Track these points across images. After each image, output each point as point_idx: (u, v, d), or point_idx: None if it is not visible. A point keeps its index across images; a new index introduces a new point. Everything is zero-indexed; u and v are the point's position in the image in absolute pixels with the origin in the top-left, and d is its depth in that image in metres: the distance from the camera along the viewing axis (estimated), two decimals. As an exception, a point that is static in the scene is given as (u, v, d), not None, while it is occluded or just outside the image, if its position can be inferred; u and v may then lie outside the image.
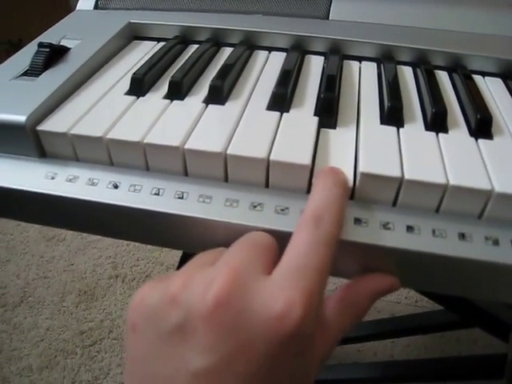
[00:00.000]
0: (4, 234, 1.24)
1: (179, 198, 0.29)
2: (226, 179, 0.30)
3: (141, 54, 0.42)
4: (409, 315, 0.99)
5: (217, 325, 0.21)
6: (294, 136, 0.31)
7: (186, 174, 0.31)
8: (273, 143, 0.30)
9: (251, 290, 0.21)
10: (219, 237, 0.28)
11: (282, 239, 0.26)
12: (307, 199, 0.26)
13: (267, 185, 0.30)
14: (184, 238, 0.30)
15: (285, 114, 0.33)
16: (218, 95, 0.35)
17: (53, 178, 0.31)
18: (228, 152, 0.29)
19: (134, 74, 0.36)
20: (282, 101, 0.34)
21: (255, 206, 0.29)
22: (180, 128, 0.31)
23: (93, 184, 0.31)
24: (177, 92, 0.35)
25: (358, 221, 0.28)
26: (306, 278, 0.22)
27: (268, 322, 0.21)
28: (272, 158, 0.29)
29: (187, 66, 0.37)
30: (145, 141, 0.30)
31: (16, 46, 1.67)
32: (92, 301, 1.07)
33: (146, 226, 0.30)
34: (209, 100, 0.35)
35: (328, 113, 0.34)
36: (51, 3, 1.80)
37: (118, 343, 0.99)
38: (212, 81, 0.35)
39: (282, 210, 0.28)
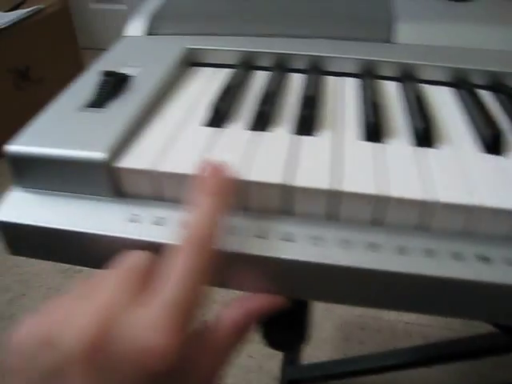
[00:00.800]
0: (18, 267, 1.20)
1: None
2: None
3: (203, 81, 0.40)
4: (444, 341, 0.96)
5: (88, 369, 0.20)
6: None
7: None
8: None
9: (123, 328, 0.21)
10: None
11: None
12: None
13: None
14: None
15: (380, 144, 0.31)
16: (308, 126, 0.32)
17: (135, 221, 0.28)
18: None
19: (214, 104, 0.34)
20: (376, 132, 0.32)
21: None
22: (279, 162, 0.29)
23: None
24: (263, 122, 0.33)
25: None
26: (171, 314, 0.22)
27: (136, 360, 0.21)
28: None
29: (265, 95, 0.35)
30: (248, 178, 0.27)
31: (23, 74, 1.65)
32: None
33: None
34: (299, 131, 0.32)
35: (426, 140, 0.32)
36: (57, 32, 1.80)
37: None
38: (302, 111, 0.33)
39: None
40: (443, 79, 0.40)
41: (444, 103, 0.37)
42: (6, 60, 1.54)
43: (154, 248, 0.27)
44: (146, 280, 0.24)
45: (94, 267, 0.32)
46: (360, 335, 1.04)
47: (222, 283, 0.28)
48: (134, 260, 0.25)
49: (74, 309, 0.22)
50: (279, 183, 0.27)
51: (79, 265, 0.32)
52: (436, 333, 1.05)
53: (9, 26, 1.50)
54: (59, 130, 0.32)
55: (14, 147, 0.30)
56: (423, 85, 0.39)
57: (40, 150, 0.30)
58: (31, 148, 0.30)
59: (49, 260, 0.33)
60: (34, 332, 0.22)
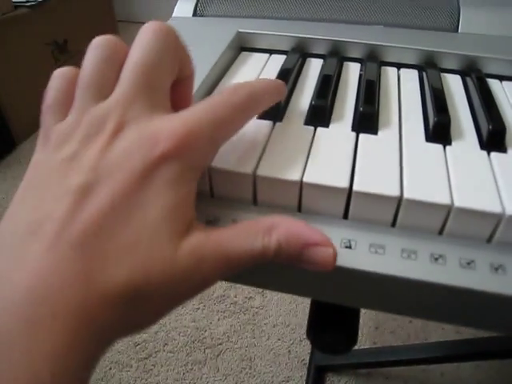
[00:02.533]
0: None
1: None
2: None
3: (256, 68, 0.38)
4: (477, 338, 0.94)
5: (105, 151, 0.21)
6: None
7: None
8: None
9: (141, 123, 0.22)
10: None
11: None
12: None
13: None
14: None
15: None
16: (370, 124, 0.30)
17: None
18: None
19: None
20: (445, 131, 0.30)
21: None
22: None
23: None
24: (321, 118, 0.31)
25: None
26: (197, 111, 0.22)
27: (149, 142, 0.21)
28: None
29: (324, 87, 0.33)
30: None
31: (62, 47, 1.66)
32: (145, 311, 1.04)
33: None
34: (360, 128, 0.30)
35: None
36: (94, 5, 1.79)
37: (174, 356, 0.95)
38: (363, 108, 0.30)
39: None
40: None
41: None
42: (44, 33, 1.55)
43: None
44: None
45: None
46: (391, 325, 1.03)
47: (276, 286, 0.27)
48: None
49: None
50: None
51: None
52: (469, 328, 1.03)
53: (47, 0, 1.49)
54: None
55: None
56: (491, 79, 0.37)
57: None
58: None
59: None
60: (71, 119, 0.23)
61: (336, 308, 0.32)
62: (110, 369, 0.94)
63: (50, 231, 0.19)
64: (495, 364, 0.96)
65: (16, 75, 1.47)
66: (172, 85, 0.25)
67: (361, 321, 1.09)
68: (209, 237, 0.21)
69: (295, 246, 0.22)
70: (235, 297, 1.07)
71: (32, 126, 1.61)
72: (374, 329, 1.02)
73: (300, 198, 0.26)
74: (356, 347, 1.02)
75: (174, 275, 0.20)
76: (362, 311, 1.08)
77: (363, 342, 1.00)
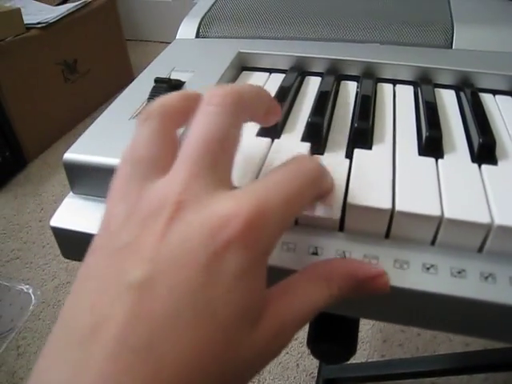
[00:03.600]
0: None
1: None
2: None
3: (257, 87, 0.39)
4: (486, 350, 0.93)
5: (163, 237, 0.19)
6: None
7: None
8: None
9: (203, 202, 0.20)
10: None
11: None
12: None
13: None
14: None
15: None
16: (364, 140, 0.31)
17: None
18: None
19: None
20: (437, 145, 0.31)
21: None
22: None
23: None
24: (317, 135, 0.32)
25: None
26: (263, 189, 0.20)
27: (211, 226, 0.19)
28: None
29: (320, 104, 0.34)
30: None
31: (72, 67, 1.69)
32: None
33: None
34: (355, 144, 0.31)
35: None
36: (103, 25, 1.83)
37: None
38: (358, 123, 0.32)
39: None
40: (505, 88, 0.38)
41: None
42: (54, 53, 1.58)
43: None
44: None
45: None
46: (400, 337, 1.03)
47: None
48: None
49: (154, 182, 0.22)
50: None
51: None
52: (478, 340, 1.02)
53: (58, 20, 1.53)
54: (114, 139, 0.32)
55: (69, 155, 0.31)
56: (485, 94, 0.38)
57: (95, 159, 0.30)
58: (86, 156, 0.31)
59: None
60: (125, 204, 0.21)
61: (335, 317, 0.33)
62: (120, 383, 0.95)
63: (110, 336, 0.17)
64: (504, 376, 0.95)
65: (27, 94, 1.51)
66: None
67: (369, 333, 1.09)
68: (278, 311, 0.21)
69: (354, 286, 0.23)
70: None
71: (42, 145, 1.64)
72: (382, 341, 1.02)
73: None
74: (364, 360, 1.02)
75: (253, 361, 0.19)
76: (371, 324, 1.07)
77: (371, 354, 1.00)
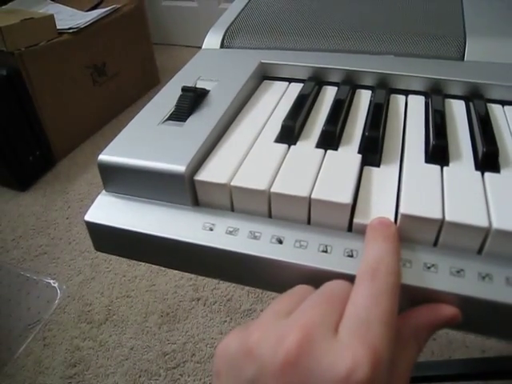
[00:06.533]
0: (89, 252, 1.28)
1: (349, 256, 0.28)
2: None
3: (276, 95, 0.42)
4: (503, 357, 0.93)
5: (285, 383, 0.21)
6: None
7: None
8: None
9: (320, 349, 0.21)
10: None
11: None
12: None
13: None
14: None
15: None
16: (375, 148, 0.34)
17: (211, 230, 0.31)
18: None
19: (285, 122, 0.36)
20: (442, 153, 0.33)
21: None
22: (341, 183, 0.30)
23: (255, 238, 0.30)
24: (330, 142, 0.34)
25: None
26: (370, 332, 0.22)
27: (335, 381, 0.20)
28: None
29: (335, 113, 0.37)
30: (312, 196, 0.29)
31: (100, 70, 1.75)
32: (174, 322, 1.08)
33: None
34: (364, 151, 0.34)
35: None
36: (131, 29, 1.88)
37: (201, 367, 0.99)
38: (369, 132, 0.34)
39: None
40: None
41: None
42: (85, 57, 1.64)
43: (227, 256, 0.30)
44: (343, 307, 0.24)
45: (166, 267, 0.36)
46: (415, 342, 1.03)
47: None
48: (337, 287, 0.26)
49: (277, 325, 0.24)
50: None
51: (155, 264, 0.36)
52: (494, 346, 1.02)
53: (89, 25, 1.59)
54: (143, 142, 0.35)
55: (103, 157, 0.34)
56: (494, 105, 0.39)
57: (126, 161, 0.33)
58: (118, 158, 0.34)
59: (128, 258, 0.37)
60: (239, 343, 0.24)
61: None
62: (140, 376, 0.98)
63: None
64: (519, 383, 0.95)
65: (57, 96, 1.56)
66: None
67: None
68: None
69: (436, 330, 0.27)
70: (261, 311, 1.10)
71: (71, 145, 1.70)
72: (397, 345, 1.03)
73: (309, 212, 0.30)
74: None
75: None
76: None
77: (386, 358, 1.01)
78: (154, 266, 1.22)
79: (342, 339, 0.22)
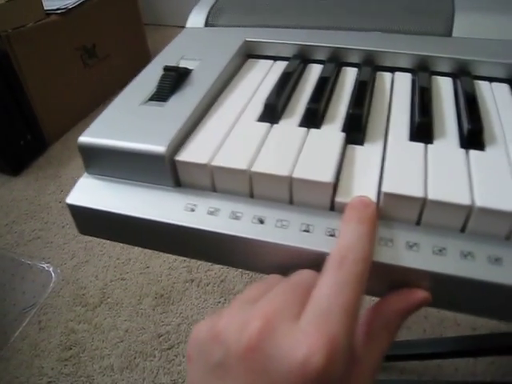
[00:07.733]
0: (82, 236, 1.28)
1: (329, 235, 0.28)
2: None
3: (261, 74, 0.41)
4: (493, 334, 0.94)
5: (247, 367, 0.22)
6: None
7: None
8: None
9: (280, 336, 0.22)
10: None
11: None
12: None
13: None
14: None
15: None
16: (358, 126, 0.33)
17: (193, 210, 0.31)
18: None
19: (267, 100, 0.35)
20: (426, 131, 0.32)
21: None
22: (323, 162, 0.30)
23: (236, 218, 0.30)
24: (314, 120, 0.34)
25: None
26: (330, 320, 0.22)
27: (292, 367, 0.21)
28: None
29: (319, 91, 0.36)
30: (293, 175, 0.29)
31: (90, 51, 1.72)
32: (168, 304, 1.09)
33: (289, 263, 0.29)
34: (347, 130, 0.33)
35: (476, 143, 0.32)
36: (121, 10, 1.85)
37: (195, 348, 1.00)
38: (352, 109, 0.33)
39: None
40: (501, 75, 0.40)
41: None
42: (74, 38, 1.62)
43: (209, 236, 0.30)
44: (307, 296, 0.24)
45: (151, 249, 0.35)
46: (407, 320, 1.04)
47: None
48: (305, 276, 0.26)
49: (243, 311, 0.24)
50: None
51: (139, 246, 0.35)
52: (485, 324, 1.03)
53: (77, 5, 1.56)
54: (124, 123, 0.34)
55: (83, 139, 0.34)
56: (481, 81, 0.39)
57: (107, 142, 0.33)
58: (99, 140, 0.33)
59: (111, 240, 0.37)
60: (208, 329, 0.24)
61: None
62: (135, 358, 0.99)
63: None
64: (510, 360, 0.97)
65: (47, 79, 1.54)
66: None
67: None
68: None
69: (408, 315, 0.28)
70: (255, 291, 1.10)
71: (62, 128, 1.68)
72: (390, 324, 1.04)
73: (291, 192, 0.30)
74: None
75: None
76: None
77: (379, 336, 1.02)
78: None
79: (302, 327, 0.22)
